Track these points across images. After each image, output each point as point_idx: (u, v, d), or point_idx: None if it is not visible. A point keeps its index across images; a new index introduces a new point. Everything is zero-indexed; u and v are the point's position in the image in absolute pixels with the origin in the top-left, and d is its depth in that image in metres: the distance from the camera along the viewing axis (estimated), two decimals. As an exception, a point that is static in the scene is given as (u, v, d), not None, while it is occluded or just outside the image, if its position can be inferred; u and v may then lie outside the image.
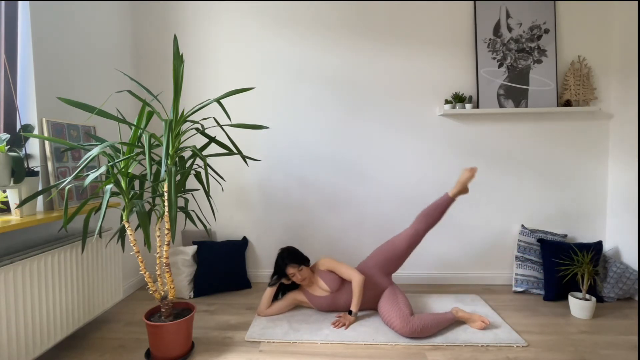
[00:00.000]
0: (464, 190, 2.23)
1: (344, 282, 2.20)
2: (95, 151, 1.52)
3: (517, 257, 2.57)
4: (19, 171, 1.63)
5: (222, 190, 2.68)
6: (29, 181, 1.69)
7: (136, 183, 2.45)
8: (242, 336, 1.99)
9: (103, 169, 1.57)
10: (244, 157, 1.88)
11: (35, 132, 1.83)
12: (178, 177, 1.76)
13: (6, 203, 1.77)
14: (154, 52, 2.73)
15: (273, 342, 1.92)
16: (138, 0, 2.70)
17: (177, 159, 1.76)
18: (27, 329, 1.55)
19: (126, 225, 1.73)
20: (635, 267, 2.37)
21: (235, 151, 1.87)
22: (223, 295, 2.57)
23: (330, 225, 2.77)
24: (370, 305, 2.21)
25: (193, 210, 2.07)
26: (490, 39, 2.59)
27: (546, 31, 2.56)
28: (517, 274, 2.55)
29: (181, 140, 1.75)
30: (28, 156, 1.84)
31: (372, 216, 2.74)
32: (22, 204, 1.57)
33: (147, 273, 1.76)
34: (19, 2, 1.82)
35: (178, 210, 1.74)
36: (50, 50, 1.94)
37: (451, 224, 2.72)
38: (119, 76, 2.52)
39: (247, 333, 2.00)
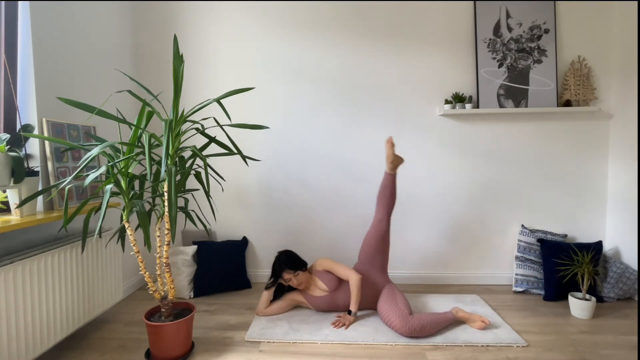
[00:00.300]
0: (395, 161, 2.24)
1: (341, 282, 2.20)
2: (95, 151, 1.52)
3: (517, 257, 2.57)
4: (19, 171, 1.63)
5: (222, 190, 2.68)
6: (29, 181, 1.69)
7: (136, 183, 2.45)
8: (242, 336, 1.99)
9: (103, 169, 1.57)
10: (244, 157, 1.88)
11: (35, 132, 1.83)
12: (178, 177, 1.76)
13: (6, 203, 1.77)
14: (154, 52, 2.73)
15: (273, 342, 1.92)
16: (138, 0, 2.71)
17: (177, 159, 1.76)
18: (27, 329, 1.55)
19: (126, 225, 1.73)
20: (635, 267, 2.37)
21: (235, 151, 1.87)
22: (223, 295, 2.57)
23: (331, 225, 2.77)
24: (369, 305, 2.21)
25: (193, 210, 2.07)
26: (490, 39, 2.59)
27: (546, 31, 2.56)
28: (517, 274, 2.55)
29: (181, 140, 1.74)
30: (28, 156, 1.84)
31: (372, 216, 2.73)
32: (22, 204, 1.57)
33: (147, 273, 1.76)
34: (19, 2, 1.82)
35: (178, 210, 1.74)
36: (50, 50, 1.94)
37: (451, 224, 2.72)
38: (119, 76, 2.52)
39: (247, 333, 2.00)
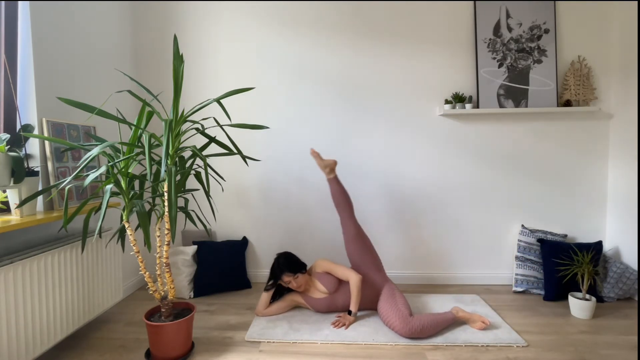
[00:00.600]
0: (328, 165, 2.29)
1: (341, 283, 2.20)
2: (95, 151, 1.52)
3: (517, 257, 2.57)
4: (19, 171, 1.63)
5: (222, 190, 2.68)
6: (29, 181, 1.69)
7: (136, 183, 2.45)
8: (242, 336, 1.99)
9: (103, 169, 1.57)
10: (244, 157, 1.88)
11: (35, 132, 1.83)
12: (178, 177, 1.76)
13: (6, 203, 1.77)
14: (154, 52, 2.73)
15: (273, 342, 1.92)
16: (138, 0, 2.71)
17: (177, 159, 1.76)
18: (27, 329, 1.55)
19: (126, 225, 1.73)
20: (635, 267, 2.37)
21: (235, 151, 1.87)
22: (223, 295, 2.57)
23: (331, 225, 2.76)
24: (369, 305, 2.21)
25: (193, 210, 2.07)
26: (490, 39, 2.59)
27: (546, 31, 2.56)
28: (517, 274, 2.55)
29: (181, 140, 1.75)
30: (28, 156, 1.84)
31: (371, 216, 2.74)
32: (22, 204, 1.57)
33: (147, 273, 1.76)
34: (19, 2, 1.82)
35: (178, 210, 1.74)
36: (50, 50, 1.94)
37: (451, 224, 2.72)
38: (119, 76, 2.52)
39: (247, 333, 2.00)
